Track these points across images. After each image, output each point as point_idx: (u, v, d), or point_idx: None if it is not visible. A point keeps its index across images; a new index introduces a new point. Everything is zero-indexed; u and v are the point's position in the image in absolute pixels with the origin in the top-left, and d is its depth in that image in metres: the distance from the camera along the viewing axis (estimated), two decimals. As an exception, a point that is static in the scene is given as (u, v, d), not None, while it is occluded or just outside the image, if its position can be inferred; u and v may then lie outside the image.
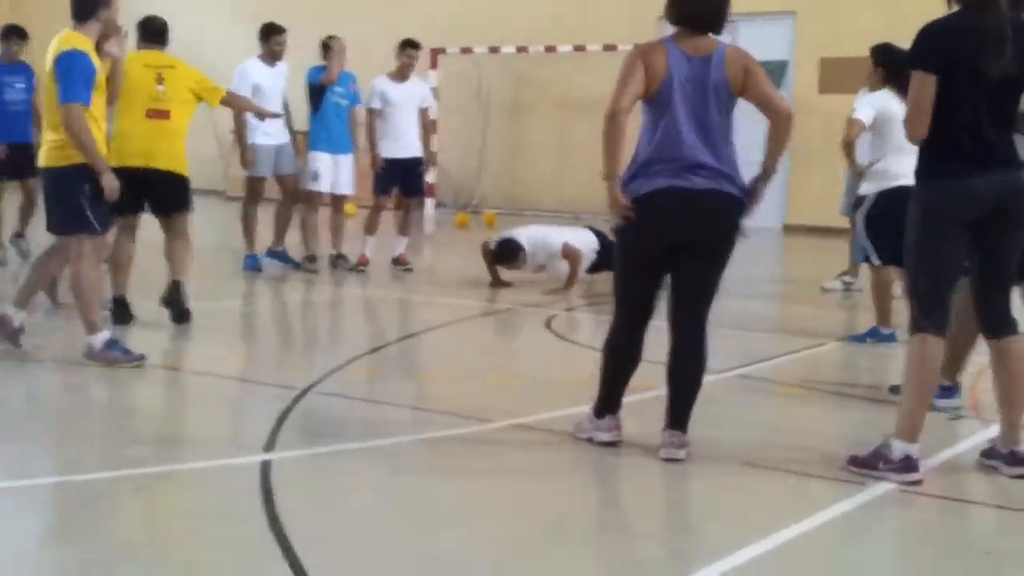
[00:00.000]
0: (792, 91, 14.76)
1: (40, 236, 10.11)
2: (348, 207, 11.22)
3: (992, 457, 4.63)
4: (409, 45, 10.21)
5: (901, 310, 7.35)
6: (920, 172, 4.51)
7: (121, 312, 7.35)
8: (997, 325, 4.60)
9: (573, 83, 16.43)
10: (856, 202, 7.24)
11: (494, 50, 17.06)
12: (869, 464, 4.48)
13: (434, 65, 16.79)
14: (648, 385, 5.18)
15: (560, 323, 8.06)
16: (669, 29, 4.67)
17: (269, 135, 9.75)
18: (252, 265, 9.89)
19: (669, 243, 4.59)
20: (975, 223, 4.42)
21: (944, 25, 4.42)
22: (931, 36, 4.40)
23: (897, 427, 4.47)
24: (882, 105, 7.05)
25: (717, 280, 4.71)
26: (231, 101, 8.54)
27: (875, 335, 7.24)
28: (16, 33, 10.04)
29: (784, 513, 4.09)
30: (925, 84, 4.34)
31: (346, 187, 10.24)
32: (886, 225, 7.02)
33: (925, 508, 4.27)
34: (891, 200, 7.00)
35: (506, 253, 9.30)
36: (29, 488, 4.24)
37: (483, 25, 17.05)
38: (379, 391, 6.05)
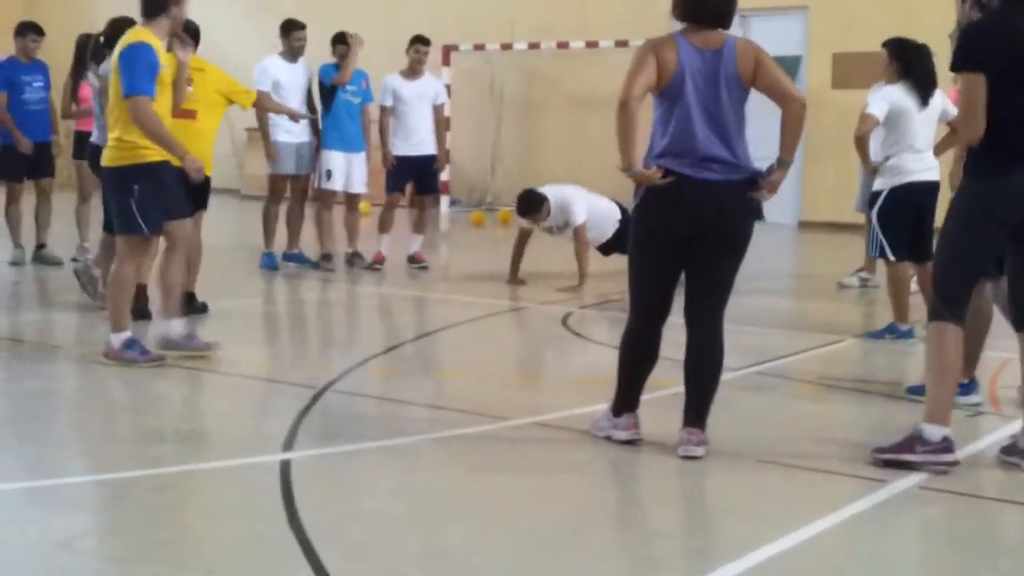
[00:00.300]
0: (805, 86, 14.71)
1: (56, 243, 10.18)
2: (362, 205, 11.24)
3: (1012, 454, 4.63)
4: (418, 41, 10.22)
5: (919, 306, 7.35)
6: (971, 169, 4.52)
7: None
8: None
9: (585, 79, 16.42)
10: (871, 198, 7.23)
11: (506, 47, 17.07)
12: (903, 449, 4.49)
13: (447, 62, 16.81)
14: (666, 383, 5.18)
15: (576, 321, 8.07)
16: (680, 25, 4.67)
17: (291, 132, 9.76)
18: (269, 263, 9.92)
19: (685, 235, 4.59)
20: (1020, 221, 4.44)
21: (987, 24, 4.45)
22: (976, 36, 4.45)
23: (928, 414, 4.51)
24: (895, 100, 7.03)
25: (733, 275, 4.71)
26: (263, 103, 8.59)
27: (893, 331, 7.23)
28: (32, 30, 10.03)
29: (803, 510, 4.09)
30: (975, 84, 4.36)
31: (360, 185, 10.24)
32: (901, 221, 7.02)
33: (945, 505, 4.26)
34: (905, 195, 7.00)
35: (530, 203, 9.23)
36: (52, 487, 4.26)
37: (495, 22, 17.04)
38: (396, 389, 6.06)
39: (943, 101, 7.14)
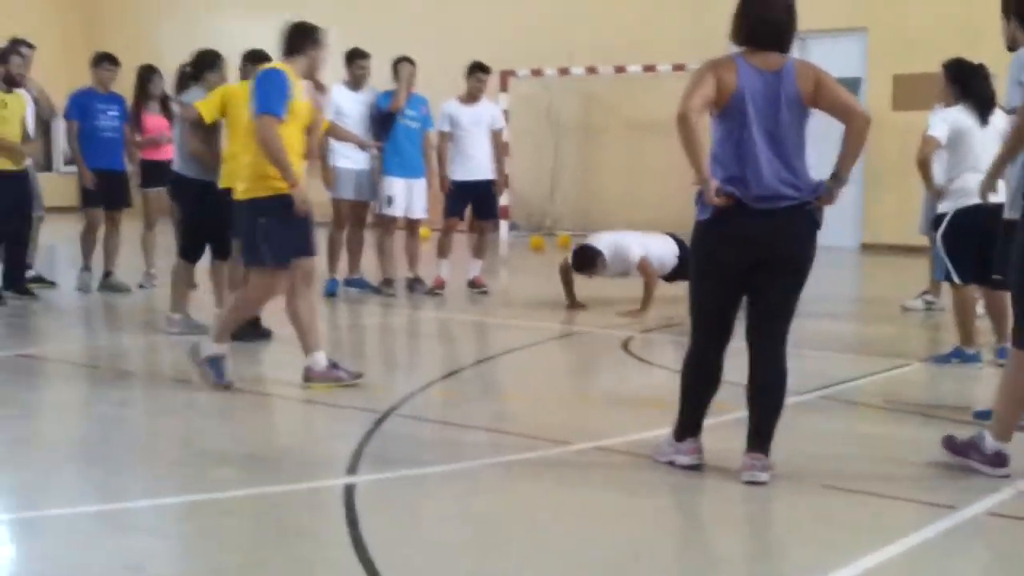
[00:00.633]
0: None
1: (121, 270, 10.35)
2: (422, 230, 11.32)
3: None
4: (479, 69, 10.28)
5: (986, 330, 7.26)
6: None
7: (248, 331, 7.60)
8: None
9: (642, 103, 16.43)
10: (935, 220, 7.15)
11: (564, 71, 17.13)
12: (963, 452, 4.71)
13: (504, 88, 16.90)
14: (728, 407, 5.16)
15: (638, 345, 8.05)
16: (735, 48, 4.67)
17: (350, 159, 9.86)
18: (332, 289, 10.01)
19: (747, 261, 4.56)
20: None
21: None
22: None
23: (991, 427, 4.67)
24: (956, 121, 6.97)
25: (796, 299, 4.68)
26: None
27: (959, 356, 7.13)
28: (108, 60, 10.23)
29: (868, 537, 4.04)
30: None
31: (420, 211, 10.32)
32: (966, 243, 6.93)
33: (1014, 532, 4.20)
34: (970, 218, 6.92)
35: (585, 260, 9.29)
36: (121, 511, 4.33)
37: (552, 47, 17.12)
38: (458, 414, 6.08)
39: (1004, 121, 7.05)
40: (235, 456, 5.18)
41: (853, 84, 14.75)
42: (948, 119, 7.01)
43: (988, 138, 6.98)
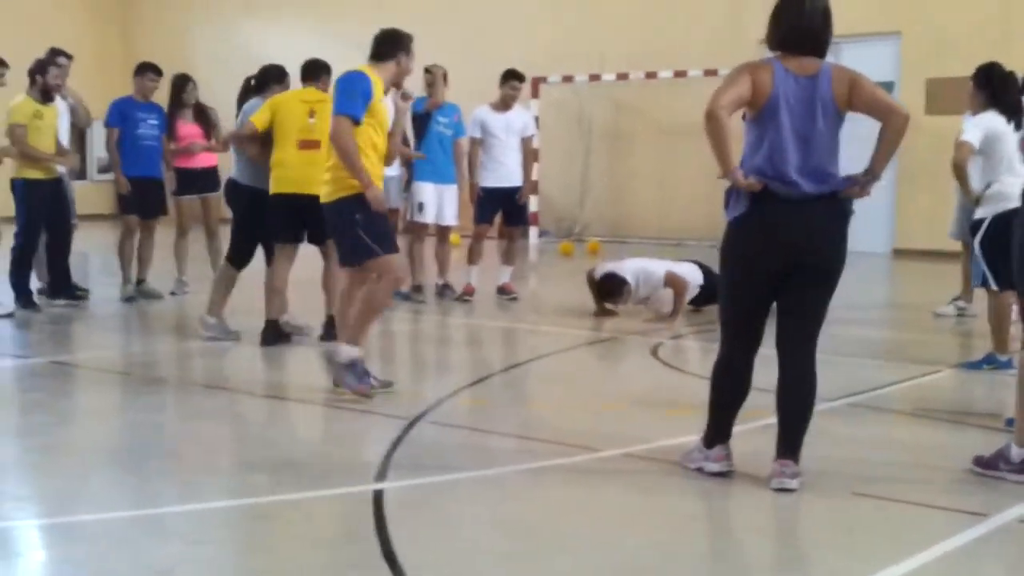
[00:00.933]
0: (899, 113, 14.51)
1: (153, 277, 10.43)
2: (452, 237, 11.35)
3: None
4: (513, 77, 10.29)
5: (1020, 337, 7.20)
6: None
7: (269, 334, 7.77)
8: None
9: (673, 109, 16.41)
10: (972, 226, 7.11)
11: (594, 78, 17.13)
12: (992, 464, 4.71)
13: (535, 94, 16.92)
14: (758, 414, 5.15)
15: (667, 351, 8.04)
16: (769, 53, 4.66)
17: None
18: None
19: (777, 264, 4.55)
20: None
21: None
22: None
23: (1016, 436, 4.67)
24: (989, 126, 6.93)
25: (826, 304, 4.67)
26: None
27: (991, 362, 7.08)
28: (151, 70, 10.32)
29: (899, 545, 4.02)
30: None
31: (451, 218, 10.34)
32: (1004, 249, 6.87)
33: (1047, 540, 4.17)
34: (1007, 223, 6.85)
35: (611, 288, 9.30)
36: (153, 516, 4.36)
37: (583, 53, 17.12)
38: (487, 420, 6.09)
39: None
40: (266, 462, 5.21)
41: (886, 88, 14.63)
42: (981, 124, 6.98)
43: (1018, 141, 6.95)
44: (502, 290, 10.49)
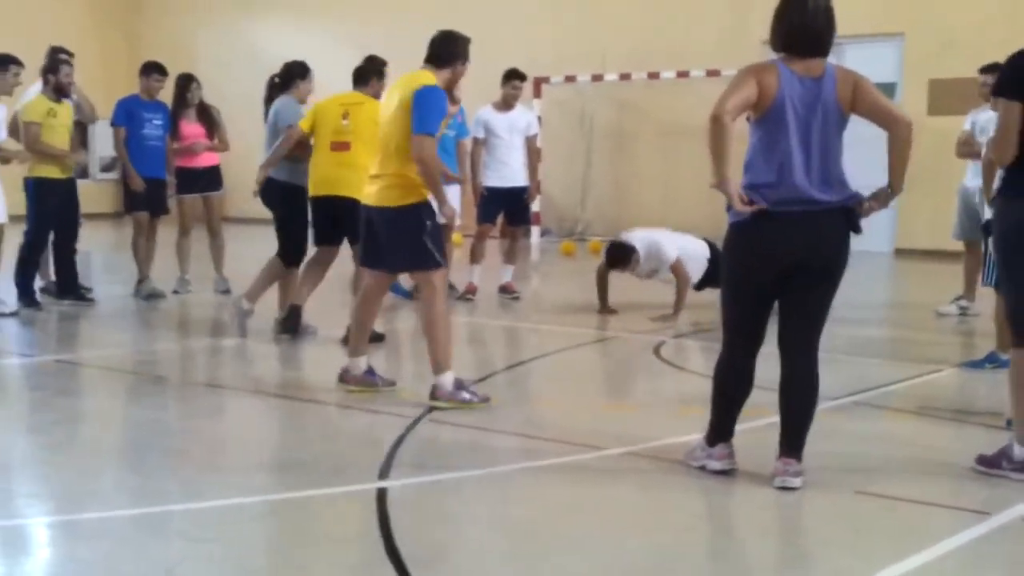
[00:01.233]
0: (901, 113, 14.51)
1: (155, 276, 10.43)
2: (454, 236, 11.35)
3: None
4: (515, 76, 10.31)
5: None
6: (1003, 191, 4.65)
7: (291, 322, 7.86)
8: None
9: (676, 109, 16.41)
10: (986, 225, 7.11)
11: (597, 78, 17.13)
12: (994, 463, 4.74)
13: (538, 94, 16.93)
14: (761, 412, 5.15)
15: (669, 350, 8.05)
16: (772, 53, 4.66)
17: None
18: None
19: (779, 266, 4.56)
20: None
21: None
22: (1015, 67, 4.67)
23: (1016, 434, 4.69)
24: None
25: (828, 304, 4.68)
26: None
27: (993, 361, 7.09)
28: (157, 70, 10.33)
29: (901, 543, 4.03)
30: (1010, 111, 4.62)
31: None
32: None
33: (1049, 538, 4.18)
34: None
35: (619, 256, 9.31)
36: (156, 515, 4.37)
37: (586, 53, 17.13)
38: (489, 419, 6.09)
39: None
40: (270, 460, 5.23)
41: (889, 89, 14.68)
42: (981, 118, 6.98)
43: None
44: (504, 289, 10.50)
